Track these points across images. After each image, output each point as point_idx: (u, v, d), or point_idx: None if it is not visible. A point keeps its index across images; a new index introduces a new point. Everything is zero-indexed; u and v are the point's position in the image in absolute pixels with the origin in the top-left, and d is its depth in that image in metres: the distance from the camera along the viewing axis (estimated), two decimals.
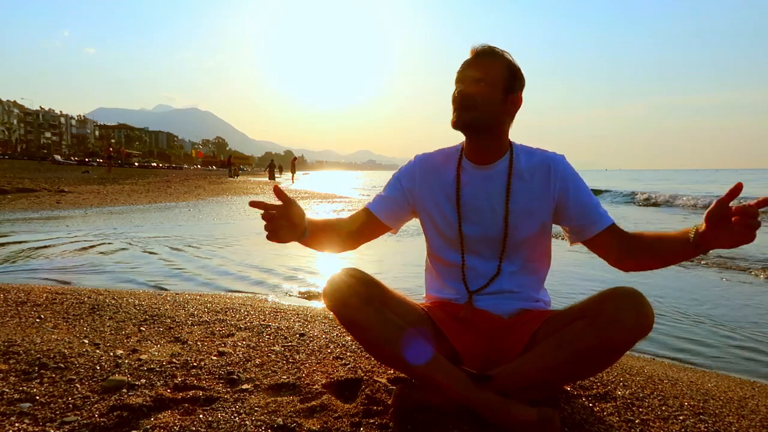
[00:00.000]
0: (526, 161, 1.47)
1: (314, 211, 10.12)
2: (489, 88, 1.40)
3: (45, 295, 2.44)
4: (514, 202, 1.45)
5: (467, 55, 1.46)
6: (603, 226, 1.43)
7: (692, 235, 1.28)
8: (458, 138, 1.53)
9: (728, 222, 1.21)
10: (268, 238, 1.35)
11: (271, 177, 33.83)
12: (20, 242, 4.93)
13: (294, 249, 5.31)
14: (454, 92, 1.43)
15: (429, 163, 1.54)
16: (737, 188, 1.16)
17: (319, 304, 2.82)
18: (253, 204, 1.31)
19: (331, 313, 1.35)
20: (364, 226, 1.57)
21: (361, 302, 1.30)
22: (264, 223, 1.33)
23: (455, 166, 1.50)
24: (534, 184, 1.45)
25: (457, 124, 1.43)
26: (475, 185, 1.47)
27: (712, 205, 1.22)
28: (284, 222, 1.35)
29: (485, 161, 1.47)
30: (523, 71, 1.47)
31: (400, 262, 4.58)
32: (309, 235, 1.44)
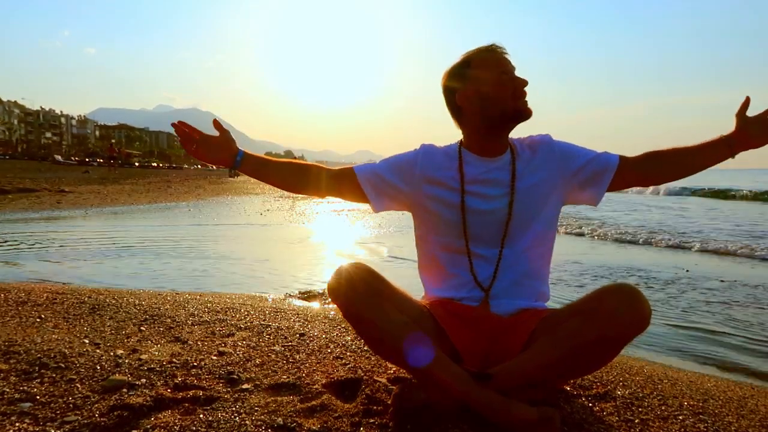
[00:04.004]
0: (522, 146, 1.55)
1: (314, 212, 10.12)
2: None
3: (45, 295, 2.45)
4: (520, 182, 1.48)
5: (482, 51, 1.49)
6: (615, 163, 1.52)
7: (725, 138, 1.48)
8: (456, 136, 1.58)
9: (756, 123, 1.45)
10: (190, 153, 1.54)
11: None
12: None
13: (295, 249, 5.32)
14: (515, 81, 1.46)
15: (433, 152, 1.57)
16: (747, 101, 1.45)
17: (319, 304, 2.82)
18: (175, 125, 1.55)
19: (335, 306, 1.37)
20: (344, 181, 1.60)
21: (365, 296, 1.31)
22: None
23: (456, 157, 1.53)
24: (536, 164, 1.51)
25: (526, 113, 1.48)
26: (480, 174, 1.50)
27: (738, 110, 1.46)
28: (210, 142, 1.55)
29: (493, 154, 1.52)
30: None
31: (402, 258, 4.58)
32: (246, 158, 1.56)
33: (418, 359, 1.28)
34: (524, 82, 1.47)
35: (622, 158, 1.52)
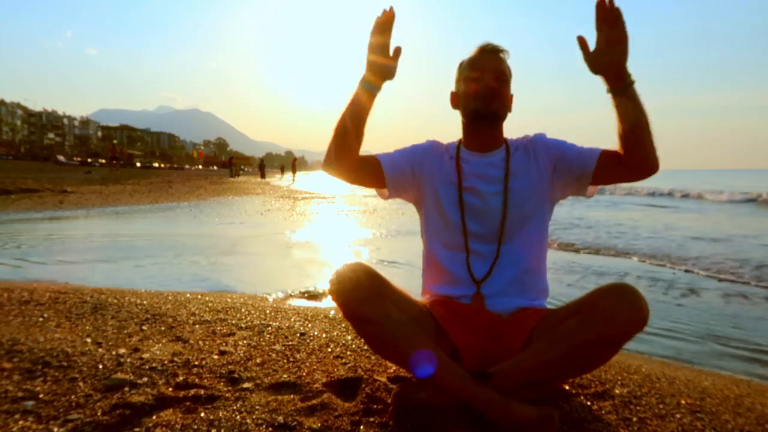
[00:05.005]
0: (517, 145, 1.58)
1: (314, 212, 10.13)
2: (506, 85, 1.53)
3: (48, 294, 2.46)
4: (513, 180, 1.52)
5: (471, 53, 1.56)
6: (596, 154, 1.49)
7: (609, 90, 1.39)
8: (456, 134, 1.63)
9: (601, 50, 1.36)
10: (371, 41, 1.45)
11: (263, 176, 35.28)
12: None
13: (295, 249, 5.33)
14: (478, 83, 1.50)
15: (438, 148, 1.62)
16: (582, 41, 1.38)
17: (320, 304, 2.83)
18: (387, 11, 1.44)
19: (335, 306, 1.38)
20: (367, 165, 1.57)
21: (366, 296, 1.33)
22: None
23: (455, 155, 1.58)
24: (529, 163, 1.54)
25: (487, 113, 1.51)
26: (475, 170, 1.55)
27: (583, 55, 1.38)
28: (386, 58, 1.47)
29: (486, 149, 1.56)
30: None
31: (402, 259, 4.59)
32: (371, 97, 1.48)
33: (418, 354, 1.29)
34: (488, 85, 1.49)
35: (605, 150, 1.49)
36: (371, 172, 1.57)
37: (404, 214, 9.27)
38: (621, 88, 1.36)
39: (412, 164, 1.60)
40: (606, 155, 1.48)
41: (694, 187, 19.90)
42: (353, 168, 1.55)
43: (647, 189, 19.72)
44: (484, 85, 1.50)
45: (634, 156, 1.41)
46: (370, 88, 1.47)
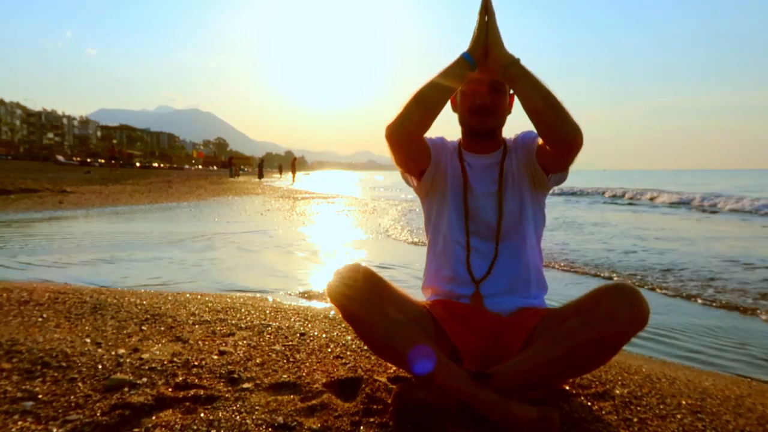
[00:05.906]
0: (512, 144, 1.61)
1: (314, 212, 10.13)
2: (503, 94, 1.54)
3: (47, 294, 2.46)
4: (507, 181, 1.55)
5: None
6: (536, 139, 1.50)
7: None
8: (456, 133, 1.66)
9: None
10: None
11: (260, 176, 35.37)
12: None
13: (295, 249, 5.32)
14: (473, 98, 1.51)
15: (447, 145, 1.65)
16: None
17: (320, 304, 2.83)
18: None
19: (334, 307, 1.38)
20: (423, 143, 1.55)
21: (364, 298, 1.33)
22: None
23: (457, 154, 1.62)
24: (519, 163, 1.57)
25: (481, 129, 1.55)
26: (474, 171, 1.58)
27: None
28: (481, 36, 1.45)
29: (485, 151, 1.60)
30: None
31: (400, 262, 4.59)
32: (468, 67, 1.44)
33: (417, 355, 1.29)
34: (483, 102, 1.51)
35: None
36: (423, 153, 1.55)
37: (403, 215, 9.27)
38: (502, 70, 1.41)
39: (434, 149, 1.60)
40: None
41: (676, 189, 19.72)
42: (419, 140, 1.51)
43: (613, 190, 19.84)
44: (479, 101, 1.52)
45: (542, 132, 1.42)
46: (468, 57, 1.44)
